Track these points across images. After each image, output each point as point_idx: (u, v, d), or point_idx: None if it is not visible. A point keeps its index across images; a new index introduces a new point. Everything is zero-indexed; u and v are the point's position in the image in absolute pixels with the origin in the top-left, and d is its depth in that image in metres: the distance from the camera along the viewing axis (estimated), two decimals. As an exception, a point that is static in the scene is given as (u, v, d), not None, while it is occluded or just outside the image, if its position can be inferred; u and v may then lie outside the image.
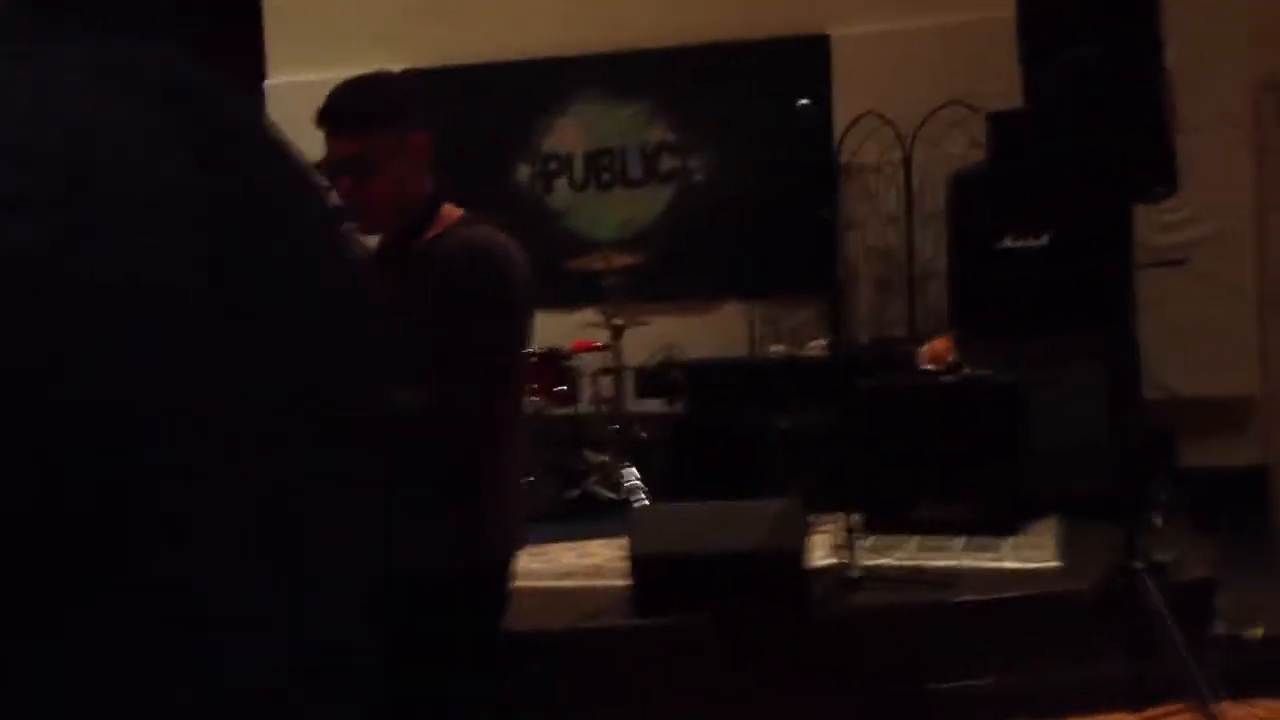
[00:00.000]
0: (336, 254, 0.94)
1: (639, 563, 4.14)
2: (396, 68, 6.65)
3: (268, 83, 7.40)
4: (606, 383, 6.34)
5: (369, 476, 0.95)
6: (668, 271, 6.73)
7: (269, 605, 0.75)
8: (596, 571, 4.78)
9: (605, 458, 6.10)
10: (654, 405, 6.47)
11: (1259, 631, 4.09)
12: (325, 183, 2.48)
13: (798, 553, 4.01)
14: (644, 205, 7.20)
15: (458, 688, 2.37)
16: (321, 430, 0.84)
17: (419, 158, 2.41)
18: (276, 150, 0.88)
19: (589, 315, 6.31)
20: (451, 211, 2.45)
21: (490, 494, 2.40)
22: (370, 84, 2.51)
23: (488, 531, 2.40)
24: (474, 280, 2.30)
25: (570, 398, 6.14)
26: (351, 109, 2.37)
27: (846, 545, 4.44)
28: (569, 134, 7.27)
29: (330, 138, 2.37)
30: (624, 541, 4.56)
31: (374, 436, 0.96)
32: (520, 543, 2.49)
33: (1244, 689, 3.86)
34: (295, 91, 7.14)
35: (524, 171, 7.31)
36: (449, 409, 2.26)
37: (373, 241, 2.54)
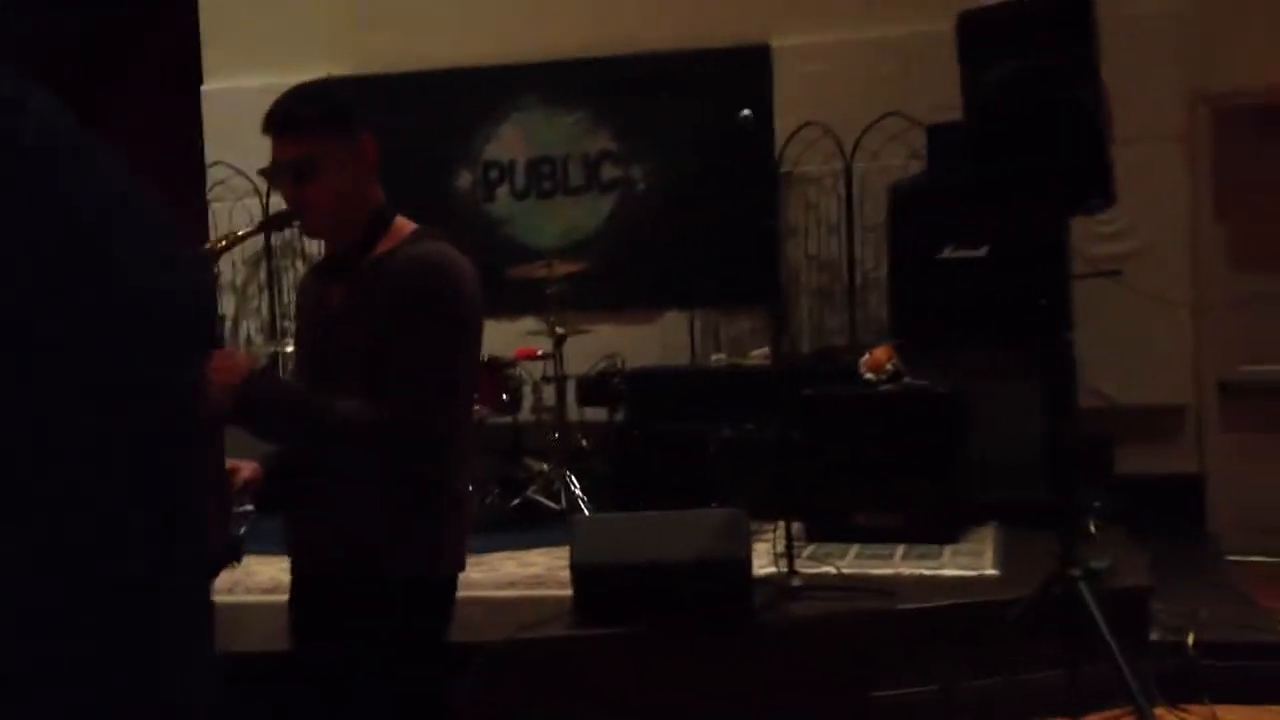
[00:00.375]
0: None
1: (580, 572, 4.12)
2: (338, 73, 6.60)
3: (207, 88, 7.32)
4: (548, 391, 6.32)
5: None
6: (609, 280, 6.73)
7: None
8: (538, 581, 4.75)
9: (546, 466, 6.08)
10: (596, 414, 6.46)
11: (1192, 637, 4.15)
12: (267, 187, 2.45)
13: (742, 562, 4.00)
14: (585, 214, 7.19)
15: (402, 694, 2.34)
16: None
17: (364, 163, 2.39)
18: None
19: (530, 323, 6.29)
20: (404, 225, 2.43)
21: (441, 504, 2.39)
22: (313, 90, 2.49)
23: (438, 541, 2.39)
24: (426, 295, 2.29)
25: (512, 406, 6.12)
26: (294, 113, 2.35)
27: (786, 554, 4.45)
28: (510, 142, 7.25)
29: (275, 143, 2.36)
30: (564, 551, 4.54)
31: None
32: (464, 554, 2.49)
33: (1179, 695, 3.92)
34: (236, 97, 7.11)
35: (465, 178, 7.28)
36: (399, 421, 2.24)
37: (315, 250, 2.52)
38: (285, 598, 2.52)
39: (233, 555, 2.24)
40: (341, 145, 2.35)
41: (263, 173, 2.43)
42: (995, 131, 4.30)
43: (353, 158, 2.37)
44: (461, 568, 2.47)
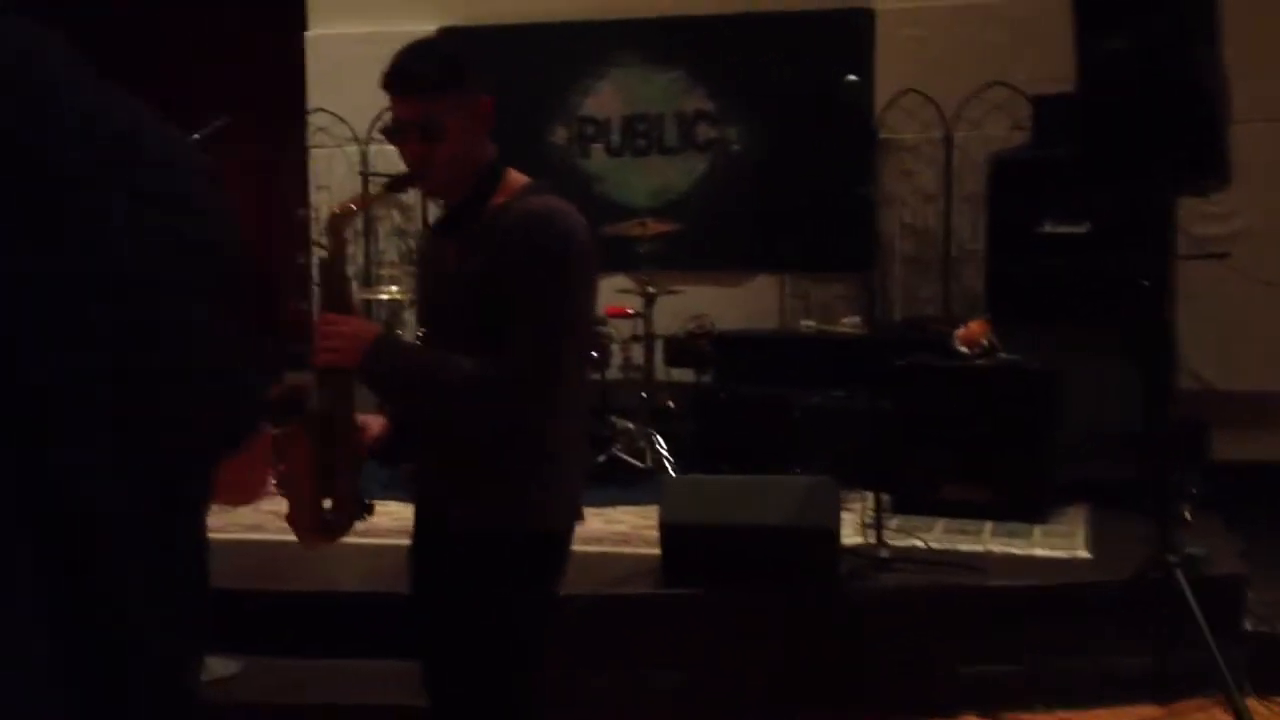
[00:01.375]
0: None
1: (669, 532, 4.16)
2: (435, 25, 6.62)
3: (309, 34, 7.38)
4: (636, 350, 6.34)
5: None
6: (701, 241, 6.71)
7: None
8: (623, 539, 4.80)
9: (631, 425, 6.11)
10: (683, 374, 6.47)
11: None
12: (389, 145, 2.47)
13: (832, 530, 4.01)
14: (679, 173, 7.17)
15: (509, 647, 2.39)
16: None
17: (482, 122, 2.40)
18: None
19: (621, 281, 6.30)
20: (516, 179, 2.44)
21: (556, 459, 2.41)
22: (433, 47, 2.50)
23: (552, 496, 2.42)
24: (541, 250, 2.30)
25: (600, 363, 6.14)
26: (416, 73, 2.35)
27: (873, 524, 4.44)
28: (607, 98, 7.23)
29: (395, 101, 2.36)
30: (650, 510, 4.58)
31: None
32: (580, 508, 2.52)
33: (1270, 686, 3.87)
34: (338, 44, 7.17)
35: (560, 134, 7.28)
36: (518, 377, 2.26)
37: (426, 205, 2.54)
38: (406, 542, 2.58)
39: (363, 508, 2.28)
40: (462, 105, 2.36)
41: (384, 132, 2.45)
42: (1108, 105, 4.21)
43: (473, 117, 2.38)
44: (579, 519, 2.51)
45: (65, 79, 1.00)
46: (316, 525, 2.26)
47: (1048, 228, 5.54)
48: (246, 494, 1.35)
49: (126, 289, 0.99)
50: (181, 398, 1.06)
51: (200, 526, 1.15)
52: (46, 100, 0.98)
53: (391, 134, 2.41)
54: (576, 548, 2.54)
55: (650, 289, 6.11)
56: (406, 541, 2.57)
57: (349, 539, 2.35)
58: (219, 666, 3.90)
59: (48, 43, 1.01)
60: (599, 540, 4.73)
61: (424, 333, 2.61)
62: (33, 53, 1.00)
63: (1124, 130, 4.14)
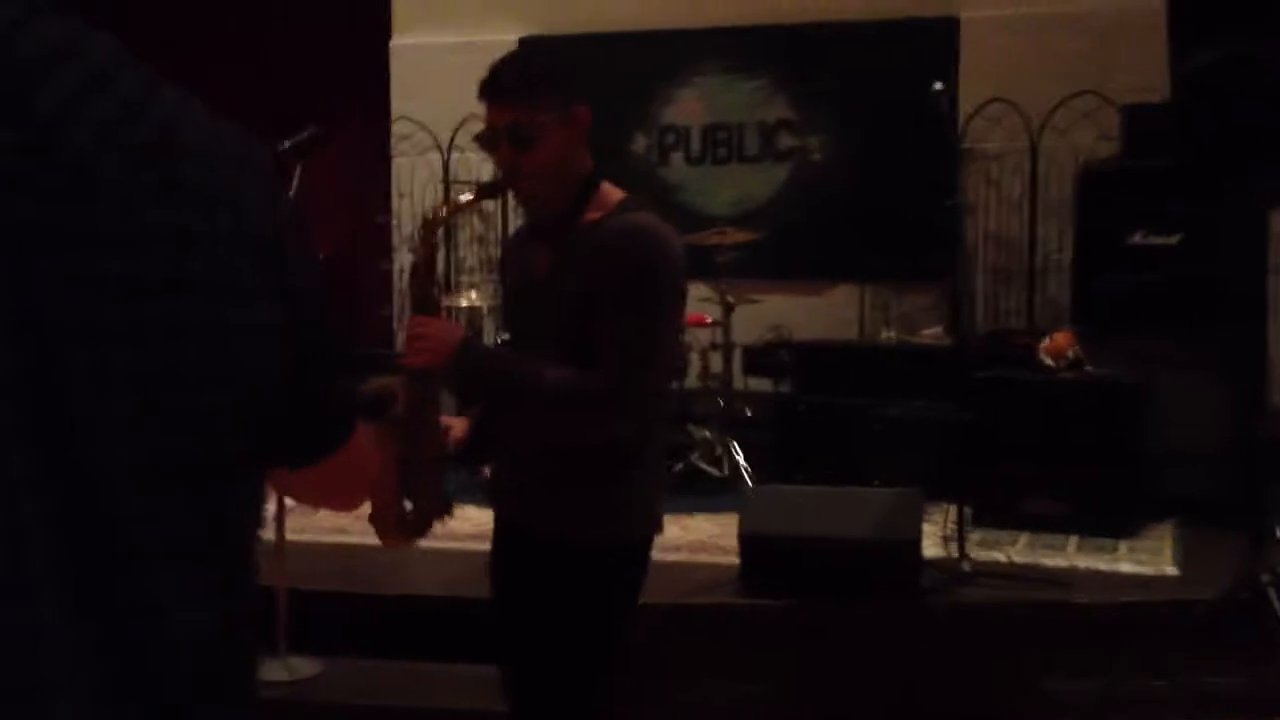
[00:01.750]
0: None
1: (749, 542, 4.14)
2: (517, 34, 6.67)
3: (394, 43, 7.47)
4: (715, 358, 6.33)
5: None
6: (780, 250, 6.69)
7: None
8: (701, 547, 4.78)
9: (709, 434, 6.09)
10: (760, 384, 6.45)
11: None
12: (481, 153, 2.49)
13: (914, 543, 3.97)
14: (760, 182, 7.16)
15: (586, 657, 2.39)
16: None
17: (577, 132, 2.40)
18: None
19: (700, 290, 6.29)
20: (611, 192, 2.44)
21: (640, 471, 2.41)
22: (532, 56, 2.51)
23: (635, 507, 2.42)
24: (637, 266, 2.29)
25: (678, 371, 6.14)
26: (508, 80, 2.36)
27: (955, 537, 4.39)
28: (688, 106, 7.24)
29: (490, 108, 2.37)
30: (726, 519, 4.56)
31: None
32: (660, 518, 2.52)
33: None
34: (422, 53, 7.25)
35: (640, 142, 7.30)
36: (608, 391, 2.26)
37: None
38: (485, 547, 2.59)
39: (445, 509, 2.29)
40: (555, 114, 2.35)
41: (477, 138, 2.46)
42: (1202, 116, 4.14)
43: (566, 127, 2.37)
44: (658, 530, 2.50)
45: (102, 70, 0.98)
46: (398, 526, 2.28)
47: (1138, 239, 5.45)
48: (348, 498, 1.34)
49: (153, 283, 0.96)
50: (238, 399, 1.02)
51: (252, 523, 1.11)
52: (87, 89, 0.96)
53: (483, 140, 2.43)
54: (654, 555, 2.54)
55: (729, 298, 6.10)
56: (485, 546, 2.58)
57: (428, 543, 2.36)
58: (302, 666, 3.95)
59: (90, 38, 0.99)
60: (675, 548, 4.72)
61: (507, 338, 2.61)
62: (71, 42, 0.98)
63: (1219, 142, 4.06)
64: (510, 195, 2.48)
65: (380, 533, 2.30)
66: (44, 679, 0.92)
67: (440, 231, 2.74)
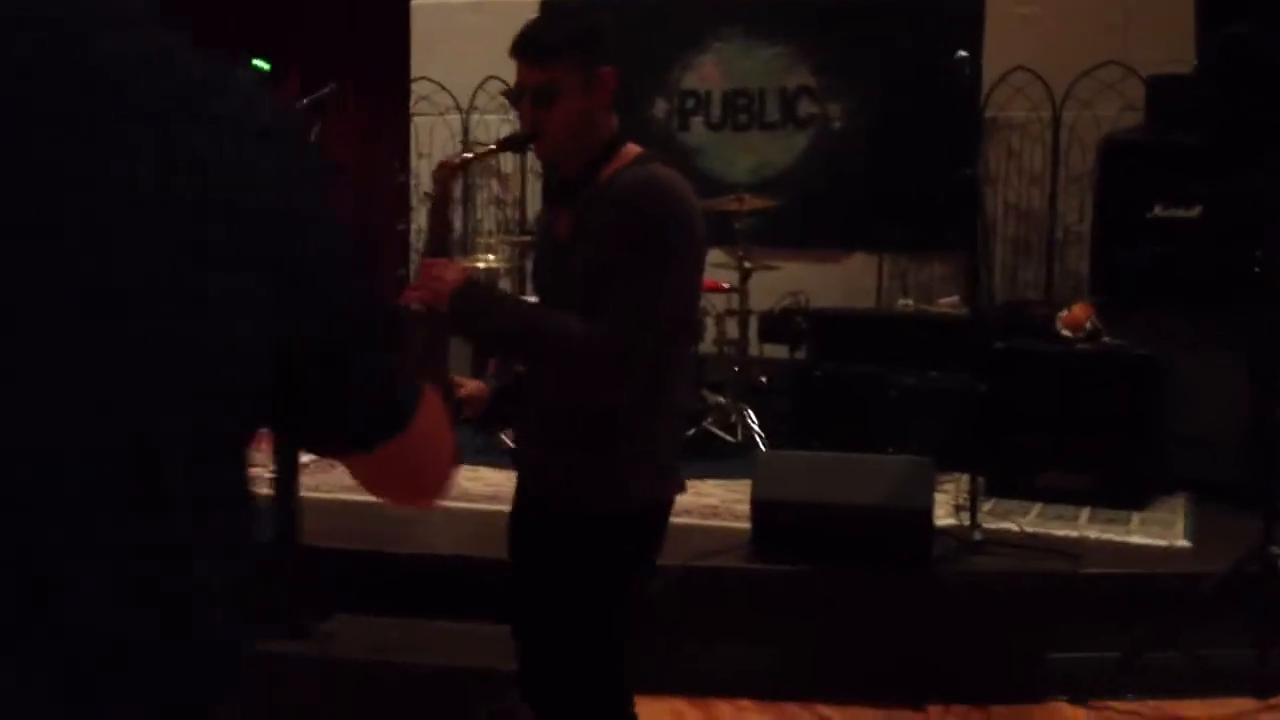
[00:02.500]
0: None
1: (761, 507, 4.15)
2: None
3: (413, 2, 7.44)
4: (730, 324, 6.32)
5: None
6: (798, 218, 6.67)
7: None
8: (713, 512, 4.80)
9: (723, 399, 6.10)
10: (776, 351, 6.45)
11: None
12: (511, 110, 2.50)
13: (926, 511, 3.97)
14: (779, 149, 7.13)
15: (608, 618, 2.40)
16: None
17: (602, 93, 2.40)
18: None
19: (717, 256, 6.26)
20: (630, 150, 2.44)
21: (658, 431, 2.41)
22: (564, 15, 2.50)
23: (654, 470, 2.42)
24: (646, 217, 2.29)
25: (694, 337, 6.13)
26: (535, 38, 2.37)
27: (967, 507, 4.39)
28: (708, 72, 7.20)
29: (519, 66, 2.38)
30: (739, 484, 4.57)
31: None
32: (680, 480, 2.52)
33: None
34: (442, 13, 7.22)
35: (661, 107, 7.27)
36: (610, 339, 2.25)
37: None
38: (499, 508, 2.60)
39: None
40: (581, 74, 2.36)
41: (505, 94, 2.48)
42: (1230, 89, 4.10)
43: (590, 87, 2.37)
44: (681, 490, 2.50)
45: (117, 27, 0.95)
46: None
47: (1158, 211, 5.41)
48: (435, 477, 1.25)
49: (160, 251, 0.92)
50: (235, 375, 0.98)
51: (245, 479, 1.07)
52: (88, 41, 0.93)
53: (511, 97, 2.44)
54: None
55: (746, 264, 6.09)
56: (498, 507, 2.59)
57: (442, 502, 2.37)
58: (314, 623, 3.97)
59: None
60: (687, 512, 4.72)
61: (537, 301, 2.62)
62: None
63: (1246, 115, 4.03)
64: (532, 152, 2.48)
65: None
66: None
67: (458, 177, 2.75)
